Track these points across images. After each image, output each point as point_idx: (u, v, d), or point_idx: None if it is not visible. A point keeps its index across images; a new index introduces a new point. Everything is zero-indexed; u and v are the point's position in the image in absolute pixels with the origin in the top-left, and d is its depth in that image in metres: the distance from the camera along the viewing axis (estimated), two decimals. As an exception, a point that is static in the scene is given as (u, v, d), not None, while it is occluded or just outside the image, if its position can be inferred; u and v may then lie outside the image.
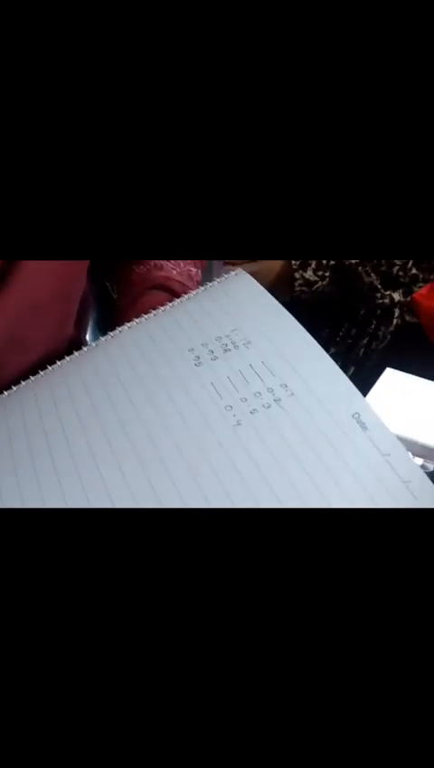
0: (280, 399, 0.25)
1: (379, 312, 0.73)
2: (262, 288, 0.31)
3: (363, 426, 0.24)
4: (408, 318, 0.82)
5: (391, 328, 0.76)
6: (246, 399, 0.25)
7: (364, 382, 0.95)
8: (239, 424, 0.25)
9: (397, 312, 0.74)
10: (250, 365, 0.27)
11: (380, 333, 0.76)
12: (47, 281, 0.32)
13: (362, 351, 0.78)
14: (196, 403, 0.26)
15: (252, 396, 0.25)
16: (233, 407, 0.25)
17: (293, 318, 0.29)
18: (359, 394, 0.25)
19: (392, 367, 0.92)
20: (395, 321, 0.76)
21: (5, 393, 0.29)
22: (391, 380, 0.84)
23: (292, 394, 0.25)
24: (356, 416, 0.24)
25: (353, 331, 0.76)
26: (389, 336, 0.77)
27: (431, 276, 0.67)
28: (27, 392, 0.29)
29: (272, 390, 0.26)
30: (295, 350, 0.27)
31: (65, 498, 0.23)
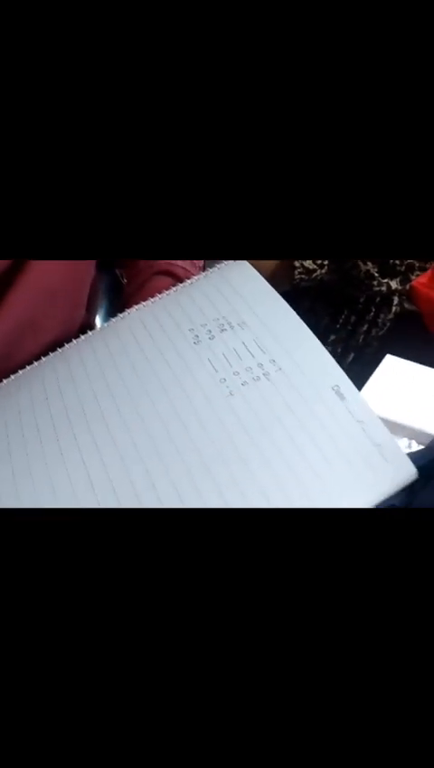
0: (269, 373, 0.28)
1: (378, 299, 0.75)
2: (258, 274, 0.34)
3: (342, 397, 0.27)
4: (407, 306, 0.83)
5: (391, 315, 0.78)
6: (238, 373, 0.29)
7: (365, 368, 0.97)
8: (231, 394, 0.28)
9: (396, 299, 0.76)
10: (243, 343, 0.30)
11: (379, 321, 0.78)
12: (61, 267, 0.35)
13: (361, 338, 0.80)
14: (194, 376, 0.29)
15: (244, 370, 0.29)
16: (227, 380, 0.28)
17: (284, 302, 0.32)
18: (339, 368, 0.28)
19: (392, 354, 0.95)
20: (394, 308, 0.78)
21: (20, 372, 0.33)
22: (391, 367, 0.86)
23: (279, 369, 0.29)
24: (336, 387, 0.28)
25: (353, 318, 0.77)
26: (388, 323, 0.79)
27: (427, 265, 0.69)
28: (39, 371, 0.32)
29: (262, 365, 0.29)
30: (284, 330, 0.30)
31: (66, 463, 0.26)
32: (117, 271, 0.47)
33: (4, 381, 0.33)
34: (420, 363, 0.99)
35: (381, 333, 0.80)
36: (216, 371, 0.29)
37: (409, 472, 0.25)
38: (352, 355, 0.84)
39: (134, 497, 0.25)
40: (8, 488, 0.26)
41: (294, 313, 0.31)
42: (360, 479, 0.24)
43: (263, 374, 0.28)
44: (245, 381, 0.28)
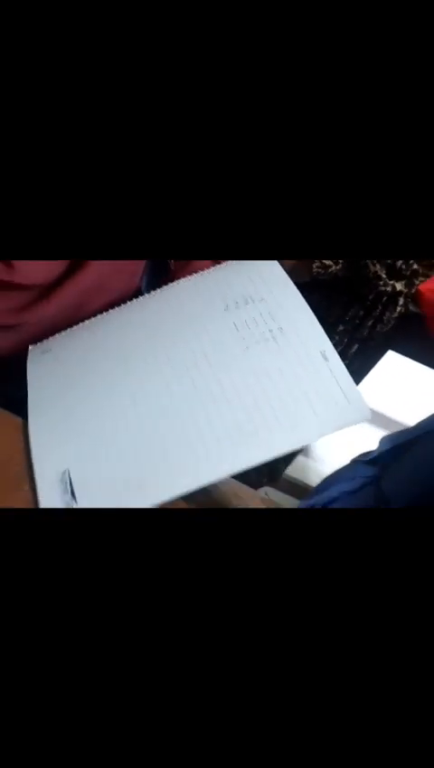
0: (276, 337, 0.39)
1: (385, 299, 0.82)
2: (277, 263, 0.44)
3: (326, 359, 0.38)
4: (412, 308, 0.91)
5: (395, 314, 0.86)
6: (254, 335, 0.39)
7: (367, 361, 1.07)
8: (247, 348, 0.39)
9: (401, 300, 0.84)
10: (260, 314, 0.41)
11: (385, 318, 0.86)
12: None
13: (367, 331, 0.88)
14: (221, 334, 0.40)
15: (259, 333, 0.40)
16: (246, 339, 0.39)
17: (294, 286, 0.42)
18: (328, 340, 0.39)
19: (394, 350, 1.04)
20: (399, 309, 0.85)
21: (87, 322, 0.44)
22: (392, 363, 0.96)
23: (284, 334, 0.39)
24: (322, 352, 0.38)
25: (361, 312, 0.85)
26: (392, 321, 0.87)
27: (430, 273, 0.77)
28: (99, 327, 0.44)
29: (271, 331, 0.40)
30: (291, 307, 0.41)
31: (129, 383, 0.38)
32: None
33: (79, 325, 0.44)
34: (420, 362, 1.08)
35: (385, 330, 0.88)
36: (238, 331, 0.40)
37: (365, 414, 0.36)
38: (356, 346, 0.92)
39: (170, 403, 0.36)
40: (96, 395, 0.37)
41: (299, 293, 0.42)
42: (328, 410, 0.35)
43: (272, 337, 0.39)
44: (258, 341, 0.39)
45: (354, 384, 0.38)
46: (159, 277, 0.59)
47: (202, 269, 0.46)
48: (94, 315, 0.45)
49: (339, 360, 0.38)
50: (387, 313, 0.86)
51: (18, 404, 0.39)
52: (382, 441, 0.45)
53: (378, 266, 0.74)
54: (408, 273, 0.76)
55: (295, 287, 0.42)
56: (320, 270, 0.76)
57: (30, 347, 0.43)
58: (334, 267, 0.76)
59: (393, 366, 1.04)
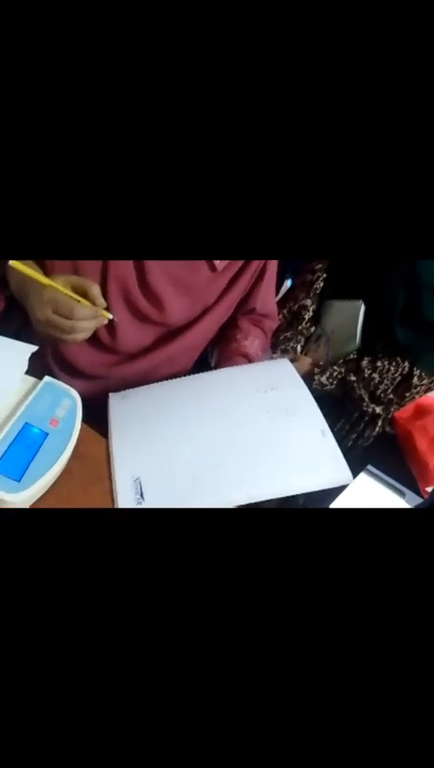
0: (290, 414, 0.56)
1: (367, 418, 1.01)
2: (292, 366, 0.63)
3: (324, 435, 0.54)
4: (388, 429, 1.09)
5: (375, 433, 1.03)
6: (276, 410, 0.56)
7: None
8: (271, 418, 0.55)
9: (380, 422, 1.02)
10: (280, 397, 0.58)
11: (365, 434, 1.03)
12: (201, 338, 0.65)
13: (350, 443, 1.05)
14: (253, 407, 0.57)
15: (278, 409, 0.56)
16: (270, 411, 0.56)
17: (303, 383, 0.60)
18: (324, 421, 0.56)
19: (372, 464, 1.22)
20: (378, 429, 1.03)
21: (158, 383, 0.61)
22: (368, 479, 1.13)
23: (296, 412, 0.56)
24: (322, 430, 0.55)
25: (347, 426, 1.03)
26: (372, 439, 1.04)
27: (403, 402, 0.97)
28: (165, 388, 0.60)
29: (287, 410, 0.57)
30: (301, 396, 0.58)
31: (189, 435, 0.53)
32: (209, 349, 0.77)
33: (151, 384, 0.61)
34: (393, 478, 1.24)
35: (365, 445, 1.05)
36: (264, 406, 0.57)
37: (348, 478, 0.51)
38: (341, 455, 1.07)
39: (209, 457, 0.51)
40: (162, 430, 0.53)
41: (306, 388, 0.60)
42: (321, 470, 0.50)
43: (286, 413, 0.56)
44: (279, 414, 0.56)
45: (343, 457, 0.54)
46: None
47: (241, 363, 0.64)
48: (161, 380, 0.62)
49: (332, 437, 0.55)
50: (367, 431, 1.02)
51: (99, 432, 0.54)
52: None
53: (362, 391, 0.94)
54: (385, 400, 0.95)
55: (303, 384, 0.61)
56: (317, 387, 0.96)
57: (110, 394, 0.59)
58: (329, 387, 0.96)
59: (369, 483, 1.19)
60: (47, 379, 0.49)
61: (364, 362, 0.92)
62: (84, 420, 0.48)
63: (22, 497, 0.40)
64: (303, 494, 0.50)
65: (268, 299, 0.70)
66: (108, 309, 0.53)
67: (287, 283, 1.08)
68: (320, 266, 0.93)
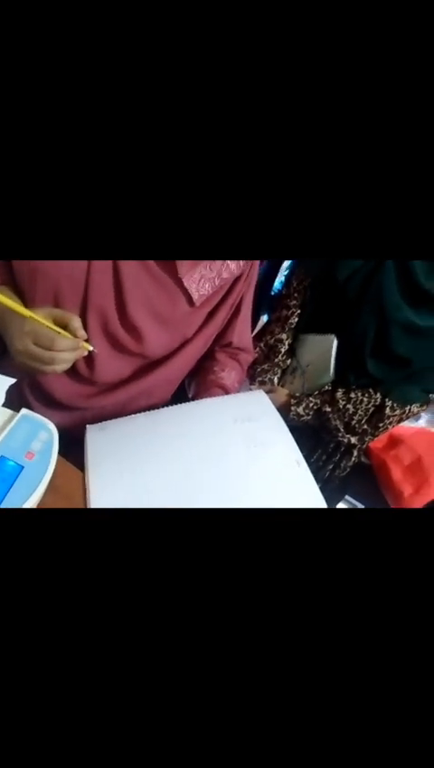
0: (264, 446, 0.57)
1: (343, 448, 1.02)
2: (267, 398, 0.65)
3: (298, 464, 0.56)
4: (364, 459, 1.11)
5: (350, 463, 1.05)
6: (252, 440, 0.57)
7: (326, 501, 1.23)
8: (247, 448, 0.56)
9: (355, 452, 1.04)
10: (256, 429, 0.59)
11: (342, 464, 1.05)
12: (179, 370, 0.67)
13: (327, 474, 1.06)
14: (228, 437, 0.58)
15: (253, 441, 0.58)
16: (245, 441, 0.57)
17: (278, 414, 0.62)
18: (300, 453, 0.57)
19: (350, 495, 1.23)
20: (354, 459, 1.05)
21: (127, 417, 0.62)
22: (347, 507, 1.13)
23: (272, 444, 0.57)
24: (297, 460, 0.56)
25: (324, 457, 1.04)
26: (348, 469, 1.06)
27: (376, 433, 0.99)
28: (143, 419, 0.61)
29: (263, 442, 0.58)
30: (276, 427, 0.60)
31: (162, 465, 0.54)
32: (186, 381, 0.79)
33: (129, 416, 0.62)
34: (369, 507, 1.24)
35: (342, 475, 1.06)
36: (241, 436, 0.58)
37: (321, 503, 0.52)
38: (318, 485, 1.09)
39: (185, 493, 0.52)
40: (138, 460, 0.53)
41: (283, 422, 0.61)
42: (292, 500, 0.51)
43: (261, 445, 0.57)
44: (255, 444, 0.57)
45: (317, 487, 0.55)
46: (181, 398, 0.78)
47: (217, 394, 0.66)
48: (139, 411, 0.63)
49: (307, 468, 0.56)
50: (343, 462, 1.04)
51: (75, 464, 0.54)
52: None
53: (338, 421, 0.96)
54: (360, 430, 0.98)
55: (278, 415, 0.62)
56: (295, 418, 0.98)
57: (88, 426, 0.60)
58: (306, 417, 0.98)
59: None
60: (24, 411, 0.49)
61: (339, 394, 0.95)
62: (60, 452, 0.49)
63: (-6, 531, 0.40)
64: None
65: (244, 333, 0.73)
66: (87, 341, 0.54)
67: (264, 318, 1.12)
68: (295, 302, 0.97)
